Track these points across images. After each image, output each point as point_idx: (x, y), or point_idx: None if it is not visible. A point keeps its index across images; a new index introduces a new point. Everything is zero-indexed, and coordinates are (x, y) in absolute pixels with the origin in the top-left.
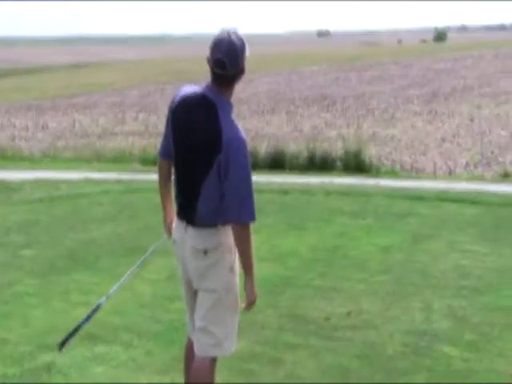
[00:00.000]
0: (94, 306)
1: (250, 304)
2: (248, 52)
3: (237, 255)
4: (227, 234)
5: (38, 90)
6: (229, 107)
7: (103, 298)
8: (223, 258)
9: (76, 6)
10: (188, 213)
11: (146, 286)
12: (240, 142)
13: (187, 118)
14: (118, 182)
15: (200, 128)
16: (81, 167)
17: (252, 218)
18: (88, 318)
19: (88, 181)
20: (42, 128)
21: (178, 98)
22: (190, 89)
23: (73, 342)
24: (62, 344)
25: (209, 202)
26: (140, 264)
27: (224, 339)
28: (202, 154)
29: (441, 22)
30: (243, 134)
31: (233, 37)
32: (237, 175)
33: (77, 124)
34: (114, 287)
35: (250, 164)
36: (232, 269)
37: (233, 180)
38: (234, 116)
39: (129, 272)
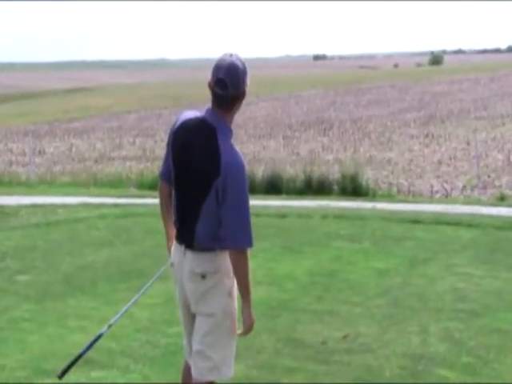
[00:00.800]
0: (95, 336)
1: (248, 329)
2: (249, 81)
3: (233, 280)
4: (226, 259)
5: (36, 115)
6: (228, 132)
7: (105, 327)
8: (222, 282)
9: (74, 31)
10: (186, 236)
11: (143, 310)
12: (239, 167)
13: (187, 141)
14: (115, 206)
15: (199, 151)
16: (78, 192)
17: (249, 244)
18: (89, 346)
19: (85, 205)
20: (39, 153)
21: (178, 122)
22: (190, 113)
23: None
24: (63, 373)
25: (207, 226)
26: (144, 291)
27: (222, 363)
28: (201, 178)
29: (437, 46)
30: (242, 158)
31: (234, 58)
32: (234, 200)
33: (74, 149)
34: (116, 316)
35: (248, 189)
36: (230, 293)
37: (230, 205)
38: (232, 141)
39: (132, 300)
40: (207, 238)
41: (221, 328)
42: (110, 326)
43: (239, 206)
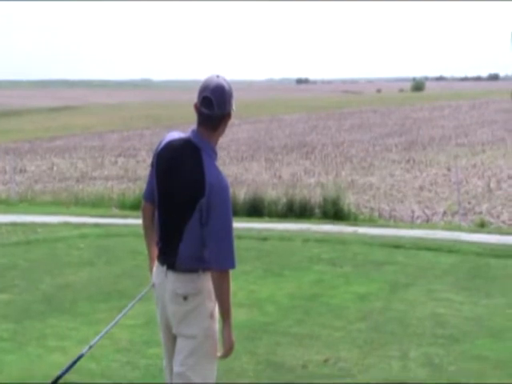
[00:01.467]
0: (75, 357)
1: (228, 351)
2: (234, 104)
3: (215, 302)
4: (208, 280)
5: (17, 133)
6: (212, 153)
7: (85, 348)
8: (203, 304)
9: (57, 50)
10: (169, 257)
11: (123, 331)
12: (223, 188)
13: (171, 161)
14: (96, 226)
15: (184, 171)
16: (59, 211)
17: (232, 265)
18: (69, 367)
19: (66, 224)
20: (20, 171)
21: (163, 143)
22: (175, 134)
23: None
24: None
25: (190, 246)
26: (126, 312)
27: None
28: (185, 198)
29: (419, 72)
30: (227, 180)
31: (221, 79)
32: (219, 221)
33: (55, 167)
34: (97, 337)
35: (231, 210)
36: (212, 315)
37: (214, 225)
38: (216, 163)
39: (114, 322)
40: (190, 259)
41: (202, 350)
42: (90, 347)
43: (223, 227)
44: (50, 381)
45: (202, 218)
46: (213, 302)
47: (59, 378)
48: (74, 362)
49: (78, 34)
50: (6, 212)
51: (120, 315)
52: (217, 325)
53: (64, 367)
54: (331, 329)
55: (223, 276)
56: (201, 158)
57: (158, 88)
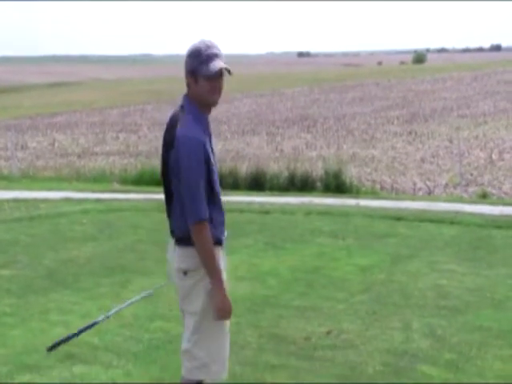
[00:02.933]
0: (90, 322)
1: (219, 311)
2: (189, 65)
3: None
4: None
5: (18, 109)
6: (194, 110)
7: (102, 316)
8: (202, 280)
9: (56, 26)
10: (170, 227)
11: None
12: (188, 139)
13: (165, 132)
14: (98, 201)
15: (168, 137)
16: (60, 187)
17: (194, 218)
18: (83, 330)
19: (68, 200)
20: (22, 148)
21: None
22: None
23: (51, 361)
24: (52, 348)
25: (178, 210)
26: (151, 293)
27: (211, 362)
28: (171, 164)
29: (420, 44)
30: (197, 134)
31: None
32: (183, 173)
33: (56, 143)
34: (116, 308)
35: (199, 163)
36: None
37: (182, 179)
38: (195, 120)
39: (140, 296)
40: (181, 225)
41: (203, 326)
42: (107, 318)
43: (185, 181)
44: (63, 337)
45: (177, 175)
46: None
47: (71, 337)
48: (88, 327)
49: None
50: (8, 188)
51: (150, 291)
52: None
53: (79, 328)
54: (333, 301)
55: (194, 231)
56: (180, 116)
57: (158, 63)
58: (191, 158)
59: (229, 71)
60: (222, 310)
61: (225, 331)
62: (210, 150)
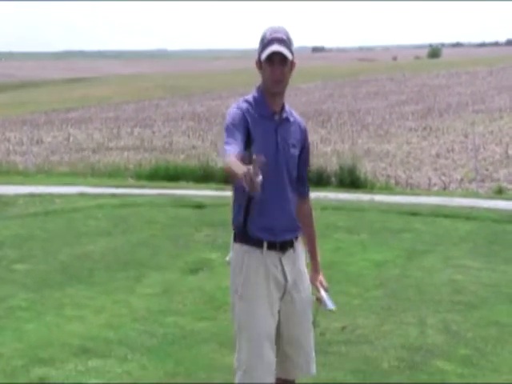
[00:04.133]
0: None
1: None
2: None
3: (244, 279)
4: (237, 253)
5: (34, 105)
6: (255, 92)
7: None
8: (231, 276)
9: (73, 21)
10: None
11: (141, 300)
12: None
13: None
14: (112, 196)
15: None
16: (75, 182)
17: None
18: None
19: (82, 195)
20: (37, 142)
21: None
22: None
23: (66, 355)
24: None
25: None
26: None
27: (238, 368)
28: None
29: (435, 39)
30: (233, 105)
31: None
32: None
33: (71, 138)
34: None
35: (225, 127)
36: (237, 291)
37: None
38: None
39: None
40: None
41: (234, 327)
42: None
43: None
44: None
45: None
46: (238, 278)
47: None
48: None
49: (91, 4)
50: (23, 183)
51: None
52: (243, 304)
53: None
54: (349, 296)
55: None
56: None
57: (173, 58)
58: (227, 114)
59: (284, 57)
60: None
61: (248, 336)
62: (254, 124)
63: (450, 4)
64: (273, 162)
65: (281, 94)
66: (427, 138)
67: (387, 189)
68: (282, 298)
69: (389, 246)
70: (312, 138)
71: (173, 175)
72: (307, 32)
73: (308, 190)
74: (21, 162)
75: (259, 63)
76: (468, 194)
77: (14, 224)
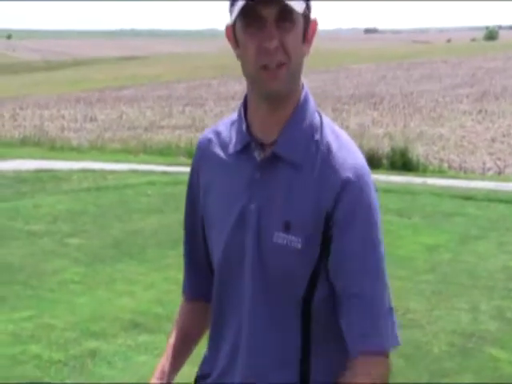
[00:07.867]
0: None
1: None
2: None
3: None
4: None
5: (87, 83)
6: None
7: None
8: None
9: (125, 1)
10: None
11: None
12: None
13: None
14: (164, 173)
15: None
16: (127, 159)
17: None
18: None
19: (134, 172)
20: (91, 120)
21: None
22: None
23: (117, 329)
24: None
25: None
26: None
27: None
28: None
29: (492, 21)
30: None
31: None
32: None
33: (124, 116)
34: None
35: None
36: None
37: None
38: None
39: None
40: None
41: None
42: None
43: None
44: None
45: None
46: None
47: None
48: None
49: None
50: (77, 159)
51: None
52: None
53: None
54: (398, 280)
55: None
56: None
57: (224, 38)
58: None
59: (284, 6)
60: None
61: None
62: (211, 177)
63: None
64: (235, 259)
65: (283, 97)
66: (482, 121)
67: (440, 172)
68: None
69: (441, 230)
70: (363, 119)
71: None
72: (360, 13)
73: (367, 341)
74: (74, 139)
75: (233, 33)
76: None
77: (67, 199)
